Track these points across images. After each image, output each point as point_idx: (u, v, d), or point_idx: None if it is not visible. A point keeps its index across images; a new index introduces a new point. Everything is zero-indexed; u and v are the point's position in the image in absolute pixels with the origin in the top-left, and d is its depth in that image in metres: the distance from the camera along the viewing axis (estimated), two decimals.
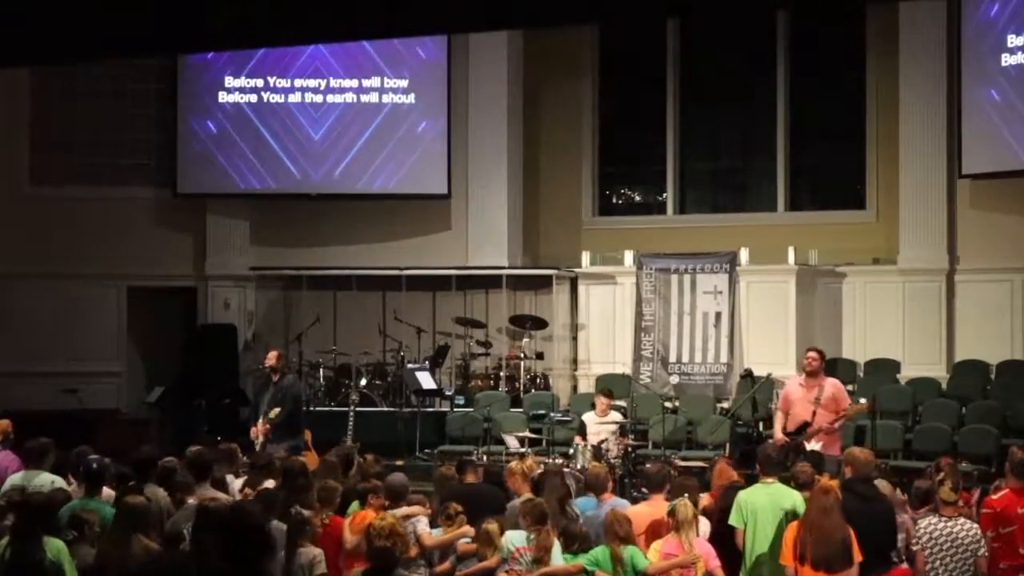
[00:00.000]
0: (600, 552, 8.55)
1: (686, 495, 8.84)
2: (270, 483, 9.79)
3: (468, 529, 8.87)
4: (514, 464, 10.06)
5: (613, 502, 9.58)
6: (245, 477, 10.14)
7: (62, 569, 7.48)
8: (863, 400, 12.73)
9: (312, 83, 18.34)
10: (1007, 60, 16.00)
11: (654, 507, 9.08)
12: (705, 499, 9.50)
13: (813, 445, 11.55)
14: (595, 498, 9.61)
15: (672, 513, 8.52)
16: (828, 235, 17.37)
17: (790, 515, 8.68)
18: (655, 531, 8.77)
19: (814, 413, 11.85)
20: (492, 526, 8.66)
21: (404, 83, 18.28)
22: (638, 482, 13.36)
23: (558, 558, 8.53)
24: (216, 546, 6.51)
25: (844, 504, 8.40)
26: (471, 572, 8.60)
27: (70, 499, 8.84)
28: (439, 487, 9.83)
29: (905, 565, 8.71)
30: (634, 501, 10.49)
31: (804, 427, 11.87)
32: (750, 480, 9.66)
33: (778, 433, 12.12)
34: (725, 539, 8.95)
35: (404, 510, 8.84)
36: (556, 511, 9.04)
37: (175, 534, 7.69)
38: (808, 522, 8.24)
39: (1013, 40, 15.96)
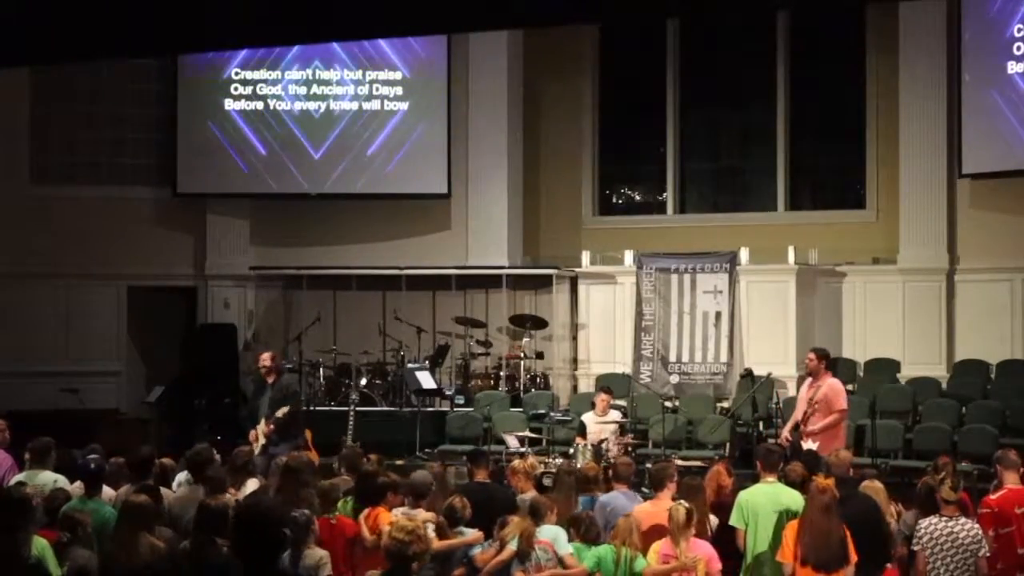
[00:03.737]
0: (604, 551, 8.57)
1: (682, 499, 8.86)
2: (252, 483, 9.76)
3: (478, 536, 8.79)
4: (516, 463, 10.08)
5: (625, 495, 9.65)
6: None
7: (45, 567, 7.44)
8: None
9: (312, 82, 18.33)
10: (1013, 68, 15.93)
11: (658, 506, 9.09)
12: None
13: (810, 445, 11.56)
14: (626, 488, 9.67)
15: (668, 516, 8.53)
16: (828, 235, 17.37)
17: (790, 514, 8.69)
18: (657, 532, 8.77)
19: (806, 413, 11.90)
20: (515, 520, 8.64)
21: (404, 82, 18.28)
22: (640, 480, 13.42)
23: (565, 547, 8.56)
24: (231, 543, 6.44)
25: None
26: (490, 568, 8.58)
27: (70, 499, 8.84)
28: (437, 487, 9.79)
29: (891, 566, 8.74)
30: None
31: (798, 426, 11.97)
32: (753, 481, 9.67)
33: (784, 432, 12.27)
34: (727, 539, 8.97)
35: (421, 515, 8.78)
36: (568, 508, 9.08)
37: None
38: (806, 522, 8.25)
39: (1022, 48, 15.90)
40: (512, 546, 8.51)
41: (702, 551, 8.45)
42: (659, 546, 8.50)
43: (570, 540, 8.74)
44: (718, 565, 8.52)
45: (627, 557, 8.43)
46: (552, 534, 8.64)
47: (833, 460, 9.31)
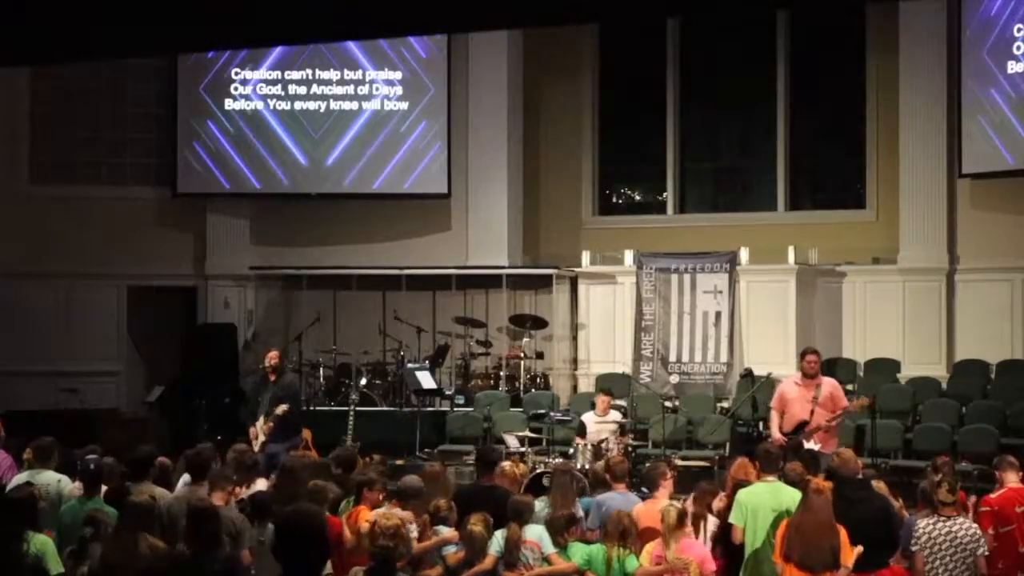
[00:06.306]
0: (596, 550, 8.57)
1: (679, 500, 8.87)
2: (261, 483, 9.77)
3: (452, 535, 8.78)
4: (506, 465, 10.06)
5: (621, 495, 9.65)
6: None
7: (44, 564, 7.46)
8: (864, 397, 12.79)
9: (312, 82, 18.33)
10: (1013, 67, 15.93)
11: (654, 506, 9.09)
12: (719, 500, 9.49)
13: (811, 444, 11.54)
14: (624, 488, 9.70)
15: (660, 517, 8.53)
16: (828, 235, 17.37)
17: (790, 514, 8.68)
18: (652, 532, 8.76)
19: (812, 412, 11.85)
20: (477, 528, 8.59)
21: (404, 83, 18.28)
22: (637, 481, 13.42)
23: (550, 547, 8.59)
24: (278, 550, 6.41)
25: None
26: (471, 574, 8.57)
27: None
28: (435, 487, 9.77)
29: (896, 565, 8.72)
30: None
31: (802, 426, 11.85)
32: None
33: (775, 433, 12.04)
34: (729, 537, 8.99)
35: (399, 514, 8.76)
36: (567, 507, 9.10)
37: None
38: (794, 521, 8.25)
39: (1022, 48, 15.91)
40: (493, 551, 8.50)
41: (694, 553, 8.44)
42: (652, 547, 8.50)
43: (567, 538, 8.74)
44: (712, 566, 8.51)
45: (619, 557, 8.43)
46: (537, 534, 8.65)
47: (838, 462, 9.23)
